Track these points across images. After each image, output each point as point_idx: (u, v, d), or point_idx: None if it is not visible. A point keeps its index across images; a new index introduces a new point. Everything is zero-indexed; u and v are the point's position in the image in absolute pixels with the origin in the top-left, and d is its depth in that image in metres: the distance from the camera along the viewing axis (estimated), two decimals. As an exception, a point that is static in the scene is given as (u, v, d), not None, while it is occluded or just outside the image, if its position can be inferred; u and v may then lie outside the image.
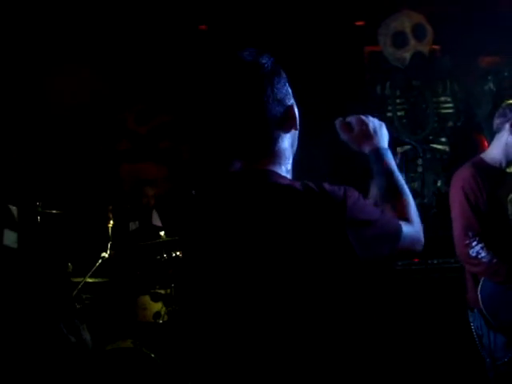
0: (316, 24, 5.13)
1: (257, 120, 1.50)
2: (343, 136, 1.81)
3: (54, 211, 3.95)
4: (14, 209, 3.16)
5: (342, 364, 1.43)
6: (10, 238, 3.10)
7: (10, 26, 5.13)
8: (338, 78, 5.13)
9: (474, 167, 3.09)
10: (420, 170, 5.04)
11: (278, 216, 1.42)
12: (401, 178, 1.69)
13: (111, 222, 3.54)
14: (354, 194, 1.45)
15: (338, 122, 1.81)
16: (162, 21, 5.39)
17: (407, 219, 1.58)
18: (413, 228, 1.57)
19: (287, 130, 1.55)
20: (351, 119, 1.80)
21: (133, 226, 4.94)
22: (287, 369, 1.41)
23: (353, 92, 5.22)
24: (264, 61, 1.52)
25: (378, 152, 1.74)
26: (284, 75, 1.56)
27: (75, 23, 5.20)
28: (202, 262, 1.54)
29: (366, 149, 1.77)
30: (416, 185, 4.99)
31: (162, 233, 4.09)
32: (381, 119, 1.83)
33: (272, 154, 1.53)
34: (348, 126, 1.80)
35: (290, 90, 1.57)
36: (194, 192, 3.52)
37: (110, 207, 3.65)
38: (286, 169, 1.57)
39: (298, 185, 1.44)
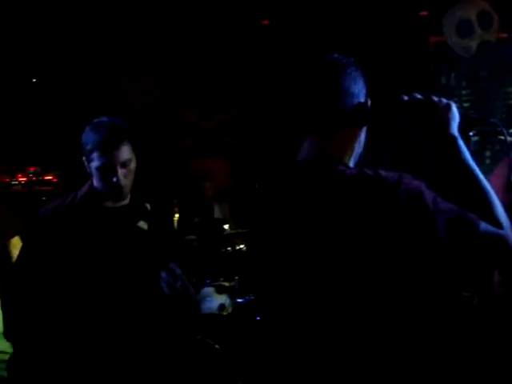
0: (381, 15, 5.08)
1: (329, 110, 1.53)
2: (405, 122, 1.61)
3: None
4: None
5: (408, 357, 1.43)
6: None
7: (82, 25, 5.29)
8: (402, 68, 5.06)
9: None
10: (488, 162, 4.91)
11: (346, 205, 1.43)
12: (479, 172, 1.49)
13: (176, 215, 3.62)
14: (406, 182, 1.43)
15: (400, 104, 1.59)
16: (225, 16, 5.45)
17: (495, 222, 1.37)
18: (504, 231, 1.36)
19: (356, 124, 1.57)
20: (413, 100, 1.59)
21: (197, 219, 5.01)
22: (354, 355, 1.42)
23: (417, 83, 5.14)
24: (341, 56, 1.57)
25: (448, 140, 1.54)
26: (361, 74, 1.58)
27: (142, 22, 5.32)
28: (271, 252, 1.57)
29: (433, 136, 1.56)
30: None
31: (227, 226, 4.15)
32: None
33: (340, 144, 1.56)
34: (413, 108, 1.58)
35: (365, 90, 1.59)
36: (256, 186, 3.56)
37: (175, 201, 3.74)
38: (352, 161, 1.58)
39: (354, 171, 1.46)
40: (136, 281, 2.34)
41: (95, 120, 2.42)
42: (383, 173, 1.44)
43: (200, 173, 5.89)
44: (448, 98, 5.10)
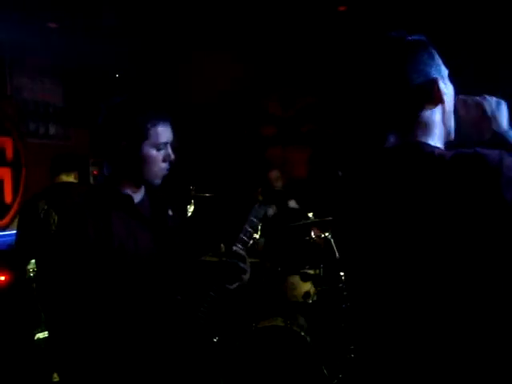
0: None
1: (402, 88, 1.51)
2: (461, 119, 1.66)
3: (207, 194, 4.18)
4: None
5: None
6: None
7: (151, 15, 5.39)
8: (489, 52, 4.92)
9: None
10: None
11: (432, 186, 1.41)
12: None
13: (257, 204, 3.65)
14: (510, 157, 1.39)
15: (458, 102, 1.65)
16: (301, 3, 5.43)
17: None
18: None
19: (434, 103, 1.54)
20: (468, 100, 1.66)
21: (270, 211, 5.03)
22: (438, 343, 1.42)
23: (501, 63, 4.98)
24: (409, 35, 1.54)
25: (498, 135, 1.60)
26: (432, 50, 1.55)
27: (223, 11, 5.36)
28: (361, 240, 1.56)
29: (485, 133, 1.63)
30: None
31: (311, 214, 4.17)
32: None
33: (419, 126, 1.53)
34: (466, 108, 1.65)
35: (440, 67, 1.56)
36: (340, 173, 3.55)
37: (260, 190, 3.78)
38: (439, 143, 1.56)
39: (450, 153, 1.42)
40: (176, 269, 2.27)
41: (122, 100, 2.21)
42: (483, 151, 1.39)
43: (280, 161, 5.94)
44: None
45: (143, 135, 2.11)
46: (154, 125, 2.13)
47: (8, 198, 5.67)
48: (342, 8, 5.58)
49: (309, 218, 4.19)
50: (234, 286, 2.33)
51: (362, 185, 1.58)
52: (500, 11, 4.93)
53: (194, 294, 2.31)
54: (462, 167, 1.37)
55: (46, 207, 3.69)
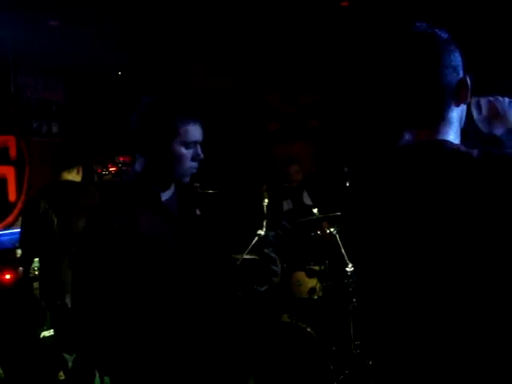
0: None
1: (430, 85, 1.49)
2: (475, 117, 1.70)
3: (211, 191, 4.17)
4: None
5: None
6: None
7: (153, 14, 5.38)
8: (491, 46, 4.90)
9: None
10: None
11: (461, 184, 1.39)
12: None
13: (266, 200, 3.65)
14: None
15: (473, 102, 1.69)
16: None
17: None
18: None
19: (459, 101, 1.53)
20: (481, 100, 1.70)
21: (285, 205, 5.05)
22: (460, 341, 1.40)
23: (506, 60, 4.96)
24: (439, 31, 1.52)
25: (511, 133, 1.64)
26: (457, 48, 1.54)
27: (225, 7, 5.35)
28: (379, 237, 1.54)
29: (498, 131, 1.66)
30: None
31: (316, 210, 4.16)
32: None
33: (443, 124, 1.52)
34: (480, 108, 1.70)
35: (462, 64, 1.55)
36: (346, 169, 3.54)
37: (265, 186, 3.77)
38: (457, 140, 1.55)
39: (476, 152, 1.41)
40: (205, 263, 2.27)
41: (154, 97, 2.21)
42: (509, 151, 1.41)
43: (285, 157, 5.93)
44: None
45: (173, 133, 2.12)
46: (185, 123, 2.14)
47: (12, 196, 5.68)
48: (344, 3, 5.57)
49: (314, 213, 4.17)
50: (264, 288, 2.31)
51: (378, 182, 1.55)
52: (499, 13, 4.92)
53: (221, 292, 2.28)
54: (493, 168, 1.37)
55: (46, 206, 3.68)
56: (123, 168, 5.80)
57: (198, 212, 2.33)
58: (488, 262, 1.36)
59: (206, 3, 5.21)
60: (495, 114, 1.67)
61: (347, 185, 1.68)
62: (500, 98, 1.69)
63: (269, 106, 6.22)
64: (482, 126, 1.70)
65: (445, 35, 1.52)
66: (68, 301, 3.54)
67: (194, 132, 2.17)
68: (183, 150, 2.14)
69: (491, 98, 1.69)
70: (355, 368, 3.71)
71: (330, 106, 5.99)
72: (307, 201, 5.20)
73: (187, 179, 2.21)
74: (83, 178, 3.91)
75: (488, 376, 1.38)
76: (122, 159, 5.78)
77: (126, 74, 6.28)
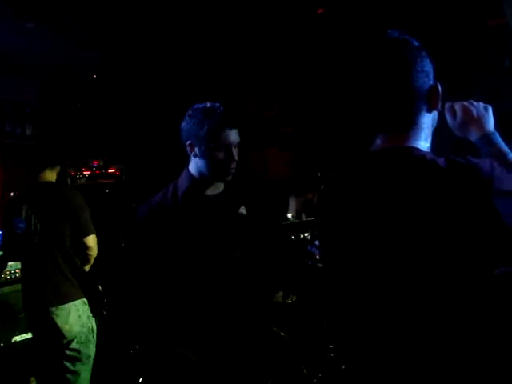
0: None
1: (403, 90, 1.52)
2: (450, 122, 1.75)
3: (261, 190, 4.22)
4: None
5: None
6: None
7: (128, 17, 5.37)
8: (461, 53, 4.98)
9: None
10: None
11: (424, 191, 1.43)
12: None
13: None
14: (499, 167, 1.44)
15: (446, 107, 1.75)
16: (280, 5, 5.45)
17: None
18: None
19: (431, 107, 1.57)
20: (455, 106, 1.74)
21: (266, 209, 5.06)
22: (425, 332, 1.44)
23: (479, 66, 5.05)
24: (411, 38, 1.56)
25: (485, 137, 1.67)
26: (428, 55, 1.58)
27: (200, 13, 5.36)
28: (349, 240, 1.57)
29: (473, 136, 1.70)
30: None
31: (290, 215, 4.19)
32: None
33: (414, 129, 1.55)
34: (454, 113, 1.74)
35: (433, 71, 1.58)
36: (319, 174, 3.58)
37: (262, 190, 3.81)
38: (426, 146, 1.58)
39: (442, 160, 1.45)
40: (243, 265, 2.50)
41: (198, 106, 2.49)
42: (475, 161, 1.45)
43: (261, 163, 5.96)
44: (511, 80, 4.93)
45: (205, 137, 2.40)
46: (219, 129, 2.39)
47: (-15, 198, 5.61)
48: (320, 10, 5.61)
49: (288, 219, 4.21)
50: None
51: (350, 186, 1.58)
52: (470, 16, 5.02)
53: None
54: (457, 175, 1.41)
55: (29, 212, 3.63)
56: (97, 172, 5.76)
57: (243, 211, 2.56)
58: (447, 260, 1.42)
59: (181, 8, 5.21)
60: (470, 120, 1.70)
61: (320, 189, 1.70)
62: (474, 103, 1.73)
63: (246, 112, 6.24)
64: (456, 131, 1.74)
65: (416, 42, 1.56)
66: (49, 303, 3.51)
67: (228, 136, 2.42)
68: (218, 154, 2.41)
69: (465, 103, 1.73)
70: (329, 372, 3.74)
71: (306, 113, 6.03)
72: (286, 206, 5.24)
73: (227, 178, 2.46)
74: (57, 180, 3.86)
75: (451, 365, 1.42)
76: (95, 163, 5.74)
77: (100, 77, 6.25)
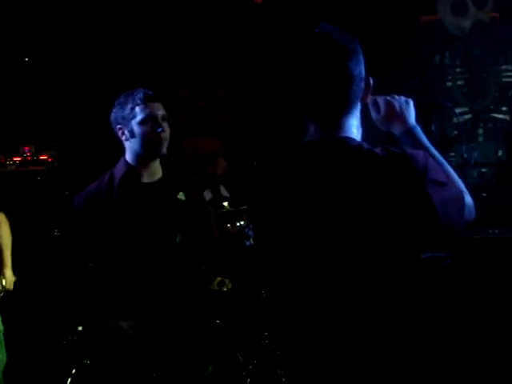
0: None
1: (337, 80, 1.55)
2: (374, 116, 1.78)
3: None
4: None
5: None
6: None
7: (71, 7, 5.27)
8: (394, 48, 5.10)
9: None
10: (481, 139, 5.01)
11: (361, 180, 1.48)
12: (437, 153, 1.67)
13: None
14: (431, 158, 1.51)
15: (370, 101, 1.76)
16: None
17: (463, 191, 1.59)
18: (468, 198, 1.59)
19: (363, 99, 1.62)
20: (379, 100, 1.77)
21: (207, 195, 5.06)
22: (359, 317, 1.49)
23: (410, 62, 5.20)
24: (344, 31, 1.60)
25: (408, 131, 1.72)
26: (360, 47, 1.62)
27: (124, 6, 5.31)
28: (283, 227, 1.59)
29: (396, 130, 1.74)
30: (476, 154, 4.95)
31: (226, 203, 4.20)
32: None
33: (347, 118, 1.59)
34: (377, 107, 1.77)
35: (365, 64, 1.63)
36: (255, 164, 3.60)
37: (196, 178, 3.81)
38: (359, 137, 1.63)
39: (379, 149, 1.50)
40: (182, 250, 2.51)
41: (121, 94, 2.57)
42: (410, 152, 1.51)
43: (195, 151, 5.94)
44: (442, 77, 5.13)
45: (130, 115, 2.48)
46: (142, 103, 2.47)
47: None
48: (258, 0, 5.63)
49: (224, 207, 4.22)
50: None
51: (284, 176, 1.59)
52: (404, 11, 5.15)
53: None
54: (393, 165, 1.47)
55: None
56: (28, 158, 5.58)
57: (182, 197, 2.61)
58: (380, 246, 1.49)
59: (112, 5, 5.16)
60: (393, 114, 1.74)
61: (256, 178, 1.72)
62: (397, 97, 1.77)
63: (179, 100, 6.19)
64: (380, 125, 1.78)
65: (349, 35, 1.60)
66: None
67: (146, 109, 2.47)
68: (141, 129, 2.47)
69: (388, 98, 1.77)
70: (264, 358, 3.79)
71: (240, 101, 6.04)
72: (224, 193, 5.26)
73: (160, 151, 2.50)
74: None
75: (382, 345, 1.48)
76: (26, 149, 5.57)
77: (33, 60, 6.05)
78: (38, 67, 5.81)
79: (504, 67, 5.17)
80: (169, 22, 5.64)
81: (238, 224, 4.16)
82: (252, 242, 2.65)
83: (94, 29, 5.58)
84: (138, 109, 2.48)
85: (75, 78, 5.67)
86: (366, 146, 1.54)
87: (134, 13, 5.52)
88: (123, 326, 2.41)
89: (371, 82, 1.63)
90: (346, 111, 1.59)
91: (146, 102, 2.48)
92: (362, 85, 1.60)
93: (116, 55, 5.93)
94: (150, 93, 2.54)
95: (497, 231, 4.16)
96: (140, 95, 2.50)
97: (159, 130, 2.48)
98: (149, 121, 2.47)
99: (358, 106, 1.63)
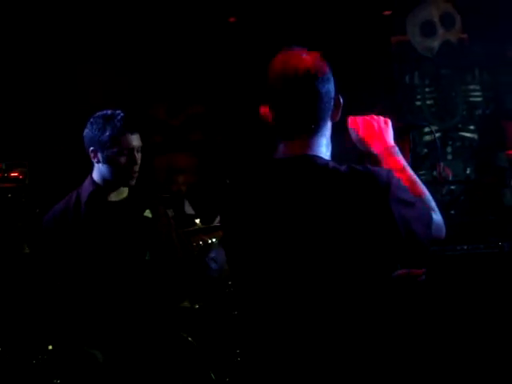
0: (343, 14, 5.18)
1: (309, 94, 1.58)
2: (353, 136, 1.82)
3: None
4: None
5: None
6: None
7: (43, 19, 5.24)
8: (365, 68, 5.17)
9: None
10: (450, 157, 5.10)
11: (325, 197, 1.51)
12: (413, 173, 1.72)
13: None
14: (396, 177, 1.55)
15: (349, 122, 1.82)
16: (191, 13, 5.47)
17: (432, 210, 1.63)
18: (437, 216, 1.62)
19: (332, 117, 1.65)
20: (358, 120, 1.81)
21: (169, 213, 5.05)
22: (317, 330, 1.52)
23: (381, 82, 5.27)
24: (314, 53, 1.62)
25: (386, 151, 1.75)
26: (331, 72, 1.65)
27: (107, 16, 5.30)
28: (251, 243, 1.62)
29: (374, 149, 1.77)
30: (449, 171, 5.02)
31: (198, 220, 4.20)
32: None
33: (316, 137, 1.62)
34: (356, 126, 1.81)
35: (335, 83, 1.66)
36: (228, 181, 3.63)
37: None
38: (327, 155, 1.65)
39: (344, 167, 1.53)
40: (152, 264, 2.53)
41: (99, 113, 2.54)
42: (374, 169, 1.54)
43: (168, 168, 5.92)
44: (412, 96, 5.22)
45: (107, 143, 2.48)
46: (120, 133, 2.48)
47: None
48: (232, 19, 5.68)
49: (196, 224, 4.21)
50: None
51: (252, 193, 1.63)
52: (374, 31, 5.23)
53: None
54: (357, 182, 1.51)
55: None
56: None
57: (149, 215, 2.66)
58: (343, 260, 1.52)
59: (86, 14, 5.15)
60: (372, 134, 1.78)
61: (226, 196, 1.74)
62: (375, 117, 1.81)
63: (154, 118, 6.19)
64: (359, 145, 1.82)
65: (318, 54, 1.64)
66: None
67: (126, 141, 2.49)
68: (116, 160, 2.48)
69: (367, 118, 1.81)
70: (236, 376, 3.77)
71: (215, 119, 6.07)
72: (189, 210, 5.24)
73: (130, 182, 2.55)
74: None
75: (343, 359, 1.51)
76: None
77: (2, 77, 6.00)
78: (8, 84, 5.77)
79: (472, 87, 5.28)
80: (143, 39, 5.65)
81: (209, 241, 4.17)
82: (216, 265, 2.68)
83: (66, 45, 5.56)
84: (115, 138, 2.48)
85: (47, 95, 5.64)
86: (331, 164, 1.57)
87: (108, 30, 5.52)
88: (94, 353, 2.40)
89: (341, 100, 1.66)
90: (315, 129, 1.61)
91: (125, 131, 2.49)
92: (331, 103, 1.62)
93: (89, 73, 5.91)
94: (130, 121, 2.53)
95: (465, 247, 4.23)
96: (120, 123, 2.49)
97: (134, 164, 2.51)
98: (125, 152, 2.49)
99: (328, 125, 1.65)
